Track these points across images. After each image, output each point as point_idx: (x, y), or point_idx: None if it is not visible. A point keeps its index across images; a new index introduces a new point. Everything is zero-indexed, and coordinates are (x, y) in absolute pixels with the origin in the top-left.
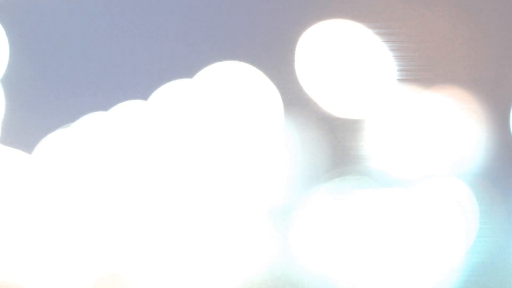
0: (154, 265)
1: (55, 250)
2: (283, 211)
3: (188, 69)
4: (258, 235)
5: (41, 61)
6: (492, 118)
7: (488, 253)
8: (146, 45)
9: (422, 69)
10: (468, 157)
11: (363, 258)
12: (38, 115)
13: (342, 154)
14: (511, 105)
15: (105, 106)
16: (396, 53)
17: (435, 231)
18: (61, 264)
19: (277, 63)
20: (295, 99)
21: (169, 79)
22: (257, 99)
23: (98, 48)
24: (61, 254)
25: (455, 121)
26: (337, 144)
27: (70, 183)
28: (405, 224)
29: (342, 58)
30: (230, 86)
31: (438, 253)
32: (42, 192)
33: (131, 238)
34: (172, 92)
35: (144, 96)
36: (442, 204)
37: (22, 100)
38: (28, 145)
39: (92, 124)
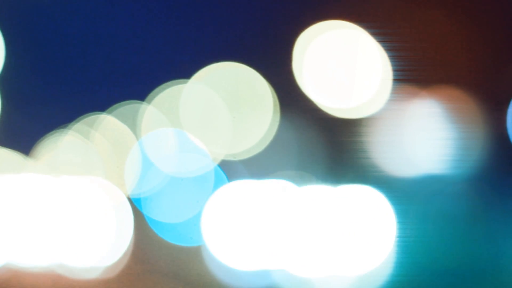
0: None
1: (54, 250)
2: (281, 210)
3: (186, 70)
4: (256, 234)
5: (40, 62)
6: (491, 118)
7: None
8: (145, 46)
9: (420, 69)
10: (466, 157)
11: (363, 256)
12: (36, 116)
13: (339, 154)
14: (510, 105)
15: (103, 106)
16: (394, 53)
17: (434, 230)
18: (60, 264)
19: (274, 63)
20: (292, 100)
21: (167, 80)
22: (255, 99)
23: (96, 48)
24: (61, 254)
25: (453, 121)
26: (334, 144)
27: (69, 183)
28: (402, 221)
29: (339, 59)
30: (228, 87)
31: (437, 250)
32: (40, 193)
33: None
34: (170, 92)
35: (142, 96)
36: (440, 203)
37: (20, 100)
38: (26, 146)
39: (90, 124)
